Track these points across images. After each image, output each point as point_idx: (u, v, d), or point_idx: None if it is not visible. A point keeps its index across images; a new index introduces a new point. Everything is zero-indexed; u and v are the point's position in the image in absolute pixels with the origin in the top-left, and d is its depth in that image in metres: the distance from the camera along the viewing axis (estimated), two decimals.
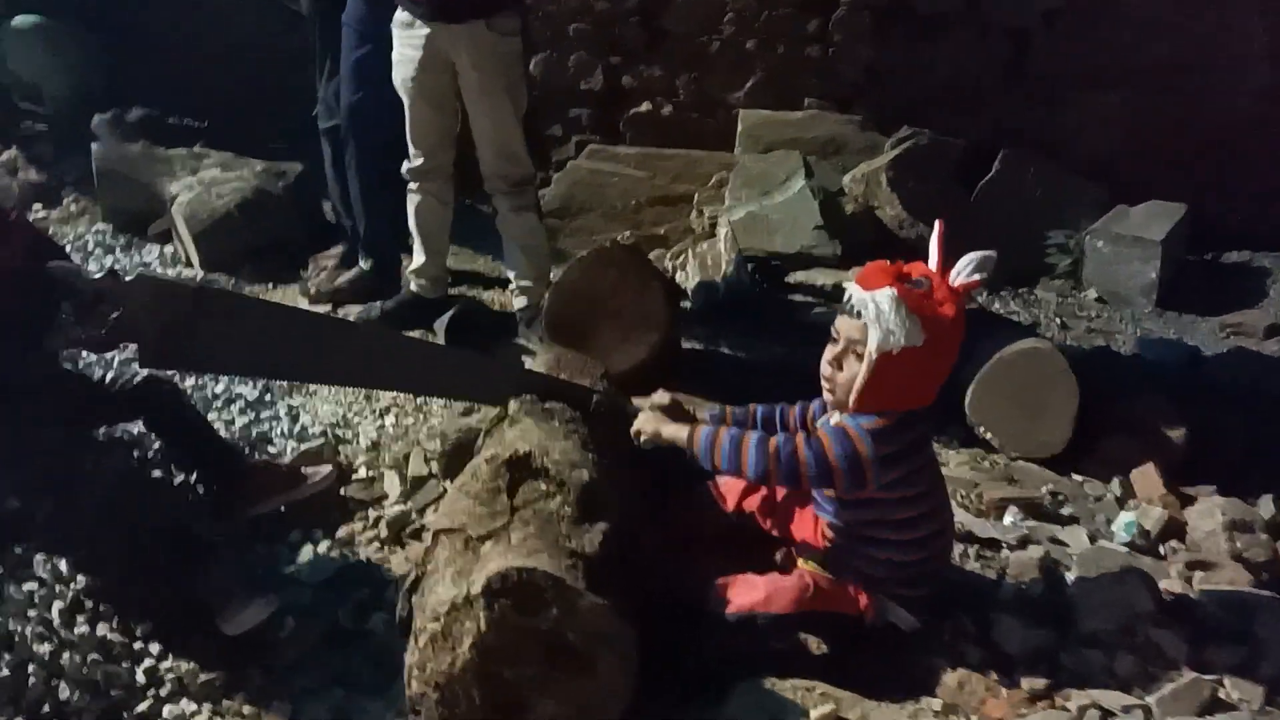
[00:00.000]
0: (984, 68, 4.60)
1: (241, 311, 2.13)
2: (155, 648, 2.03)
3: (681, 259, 3.74)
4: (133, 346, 2.09)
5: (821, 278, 3.80)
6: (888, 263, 1.88)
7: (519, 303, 3.26)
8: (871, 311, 1.78)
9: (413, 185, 3.24)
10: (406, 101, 3.08)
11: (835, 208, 4.12)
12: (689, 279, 3.65)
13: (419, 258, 3.34)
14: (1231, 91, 4.38)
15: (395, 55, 3.05)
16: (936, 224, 1.90)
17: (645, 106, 4.91)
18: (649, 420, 2.02)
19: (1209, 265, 4.44)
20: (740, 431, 1.87)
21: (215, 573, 2.09)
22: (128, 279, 1.98)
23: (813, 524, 2.03)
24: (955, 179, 4.51)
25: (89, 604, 2.07)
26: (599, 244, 3.67)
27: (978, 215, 4.33)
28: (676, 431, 1.95)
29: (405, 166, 3.19)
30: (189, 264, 3.70)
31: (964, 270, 1.83)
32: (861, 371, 1.81)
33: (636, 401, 2.17)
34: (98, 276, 1.99)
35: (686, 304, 3.52)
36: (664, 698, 1.78)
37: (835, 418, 1.91)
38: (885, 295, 1.78)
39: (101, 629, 2.03)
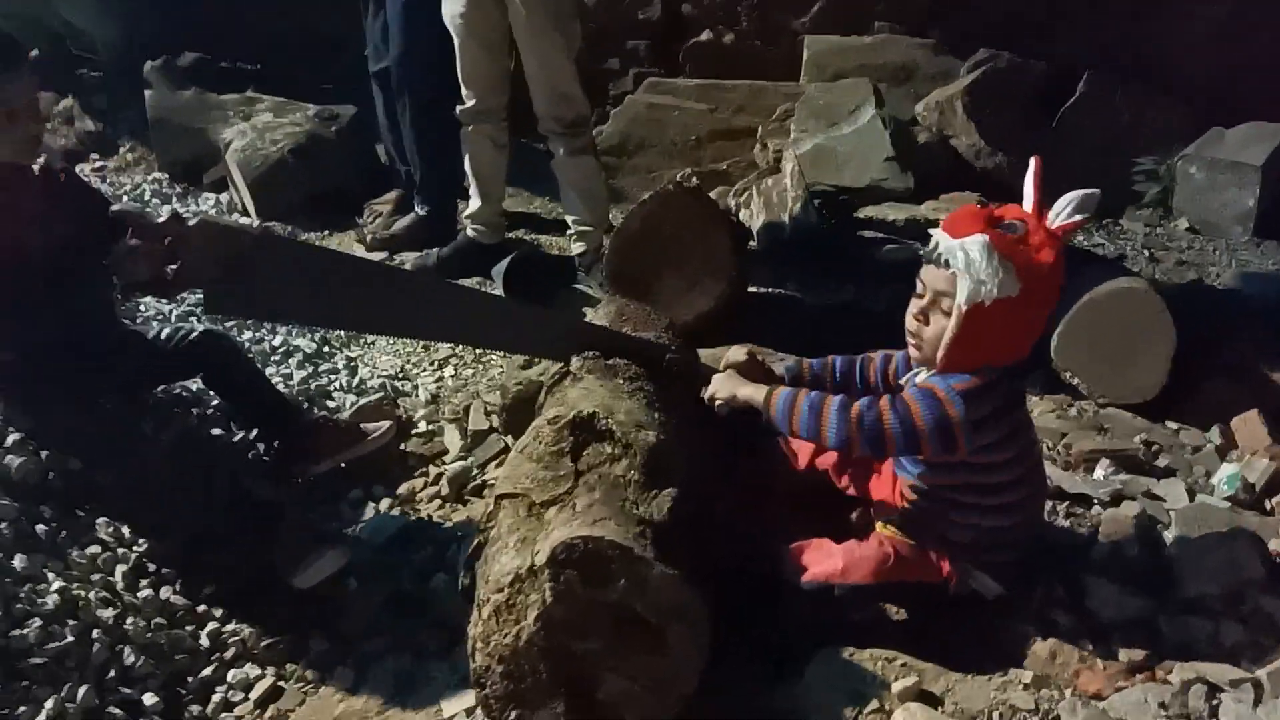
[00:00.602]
0: None
1: (302, 258, 2.06)
2: (219, 612, 2.00)
3: (745, 196, 3.59)
4: (194, 297, 2.04)
5: (893, 213, 3.64)
6: (977, 206, 1.73)
7: (577, 248, 3.17)
8: (961, 260, 1.63)
9: (467, 127, 3.14)
10: (457, 41, 2.97)
11: (907, 138, 3.94)
12: (754, 217, 3.51)
13: (475, 202, 3.26)
14: None
15: None
16: (1032, 161, 1.73)
17: (706, 35, 4.73)
18: (724, 383, 1.90)
19: None
20: (820, 396, 1.74)
21: (282, 529, 2.06)
22: (191, 222, 1.92)
23: (891, 484, 1.92)
24: (1036, 105, 4.28)
25: (152, 568, 2.05)
26: (659, 183, 3.55)
27: (1060, 142, 4.11)
28: (753, 393, 1.83)
29: (459, 108, 3.08)
30: (245, 212, 3.66)
31: (1064, 211, 1.66)
32: (950, 326, 1.67)
33: (708, 357, 2.06)
34: (161, 220, 1.92)
35: (752, 244, 3.39)
36: (738, 670, 1.71)
37: (922, 376, 1.78)
38: (976, 242, 1.63)
39: (165, 593, 2.02)
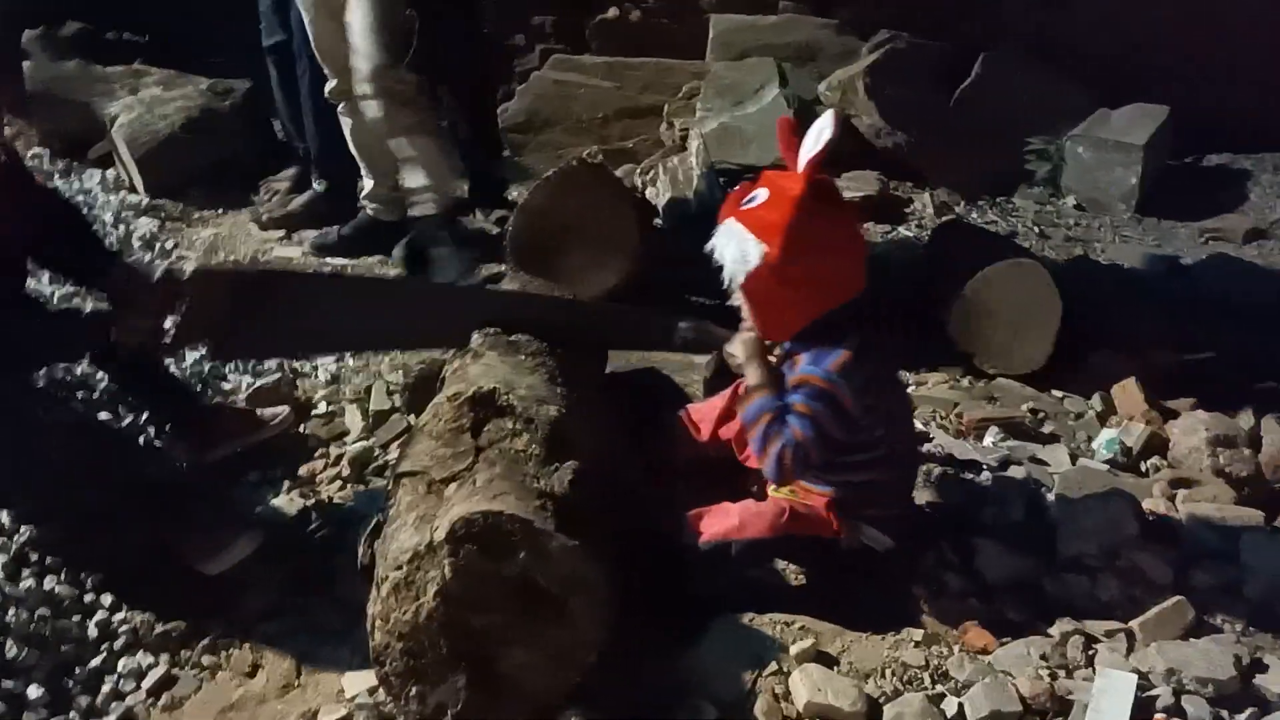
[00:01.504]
0: None
1: (311, 287, 2.11)
2: (108, 600, 1.95)
3: (651, 174, 3.61)
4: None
5: None
6: (737, 189, 1.81)
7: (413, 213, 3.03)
8: (718, 252, 1.74)
9: (340, 108, 3.04)
10: (306, 18, 2.87)
11: (811, 117, 3.95)
12: (659, 195, 3.53)
13: (367, 181, 3.18)
14: None
15: None
16: (778, 123, 1.84)
17: (612, 12, 4.73)
18: (745, 346, 1.86)
19: (1190, 169, 4.37)
20: (777, 429, 1.73)
21: (191, 512, 2.00)
22: (187, 273, 1.90)
23: None
24: (935, 84, 4.38)
25: (34, 557, 1.98)
26: (565, 160, 3.54)
27: (957, 121, 4.21)
28: (756, 376, 1.82)
29: (325, 89, 2.98)
30: (133, 189, 3.54)
31: (806, 149, 1.71)
32: (744, 307, 1.74)
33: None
34: (155, 278, 1.92)
35: (658, 221, 3.41)
36: (640, 638, 1.72)
37: (777, 350, 1.84)
38: (723, 229, 1.73)
39: (49, 582, 1.94)
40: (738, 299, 1.79)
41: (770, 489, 1.91)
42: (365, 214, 3.24)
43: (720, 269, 1.77)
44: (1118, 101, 4.27)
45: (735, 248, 1.70)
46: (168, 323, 1.90)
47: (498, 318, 2.05)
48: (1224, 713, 1.56)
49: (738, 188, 1.82)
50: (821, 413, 1.70)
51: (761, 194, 1.73)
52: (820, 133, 1.70)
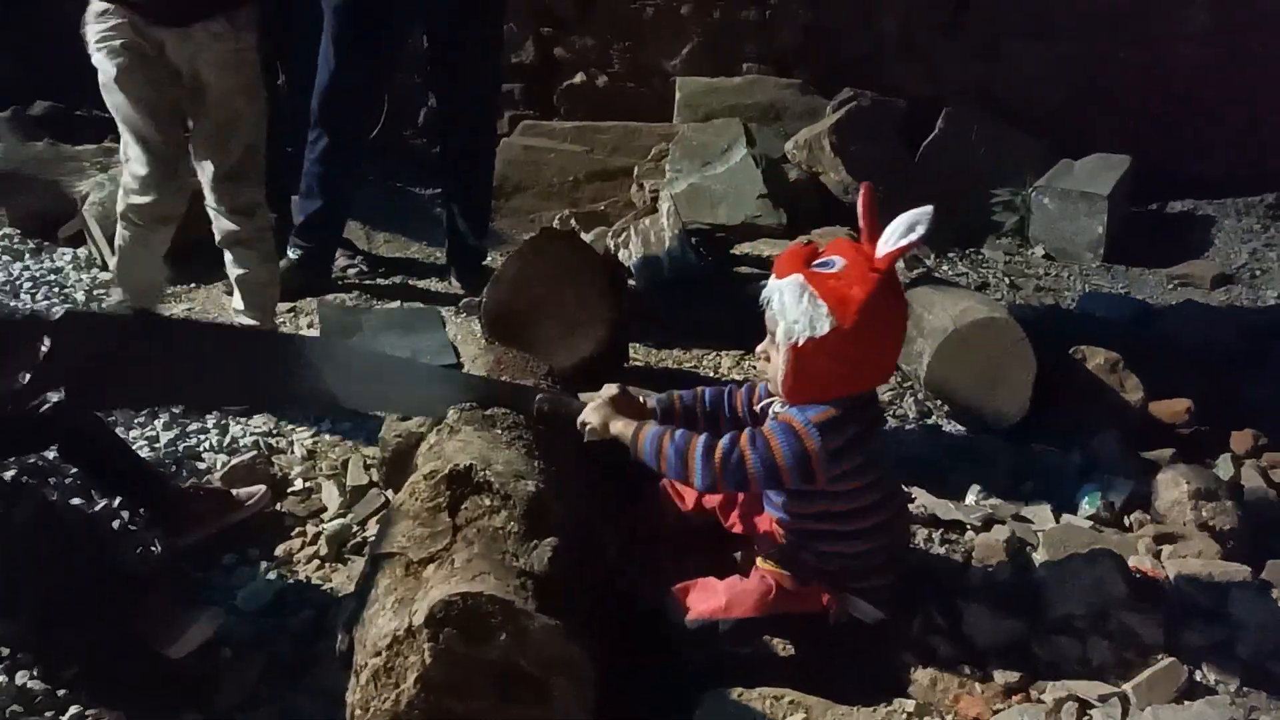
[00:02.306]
0: (924, 22, 4.53)
1: (178, 336, 2.08)
2: (82, 695, 1.89)
3: (624, 236, 3.62)
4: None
5: (768, 249, 3.71)
6: (803, 245, 1.79)
7: None
8: (776, 302, 1.70)
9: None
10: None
11: (779, 175, 4.03)
12: (632, 256, 3.54)
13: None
14: (1172, 38, 4.35)
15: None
16: (861, 189, 1.79)
17: (579, 78, 4.79)
18: (596, 413, 1.89)
19: (1155, 216, 4.44)
20: (686, 437, 1.75)
21: (150, 601, 1.96)
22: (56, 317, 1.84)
23: (769, 519, 1.95)
24: (899, 140, 4.45)
25: (5, 652, 1.92)
26: (537, 225, 3.57)
27: (922, 176, 4.27)
28: (623, 429, 1.83)
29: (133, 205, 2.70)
30: (104, 266, 3.50)
31: (891, 237, 1.69)
32: (779, 364, 1.72)
33: (584, 396, 2.05)
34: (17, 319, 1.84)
35: (632, 283, 3.42)
36: (628, 716, 1.69)
37: (778, 407, 1.81)
38: (789, 283, 1.69)
39: (21, 678, 1.89)
40: (775, 352, 1.75)
41: (758, 560, 1.89)
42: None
43: (761, 313, 1.75)
44: (1079, 152, 4.34)
45: (804, 310, 1.66)
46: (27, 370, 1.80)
47: (379, 381, 2.10)
48: None
49: (803, 244, 1.79)
50: (783, 450, 1.68)
51: (838, 262, 1.69)
52: (914, 226, 1.67)
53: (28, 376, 1.78)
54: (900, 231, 1.68)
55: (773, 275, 1.75)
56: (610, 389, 1.99)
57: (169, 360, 1.94)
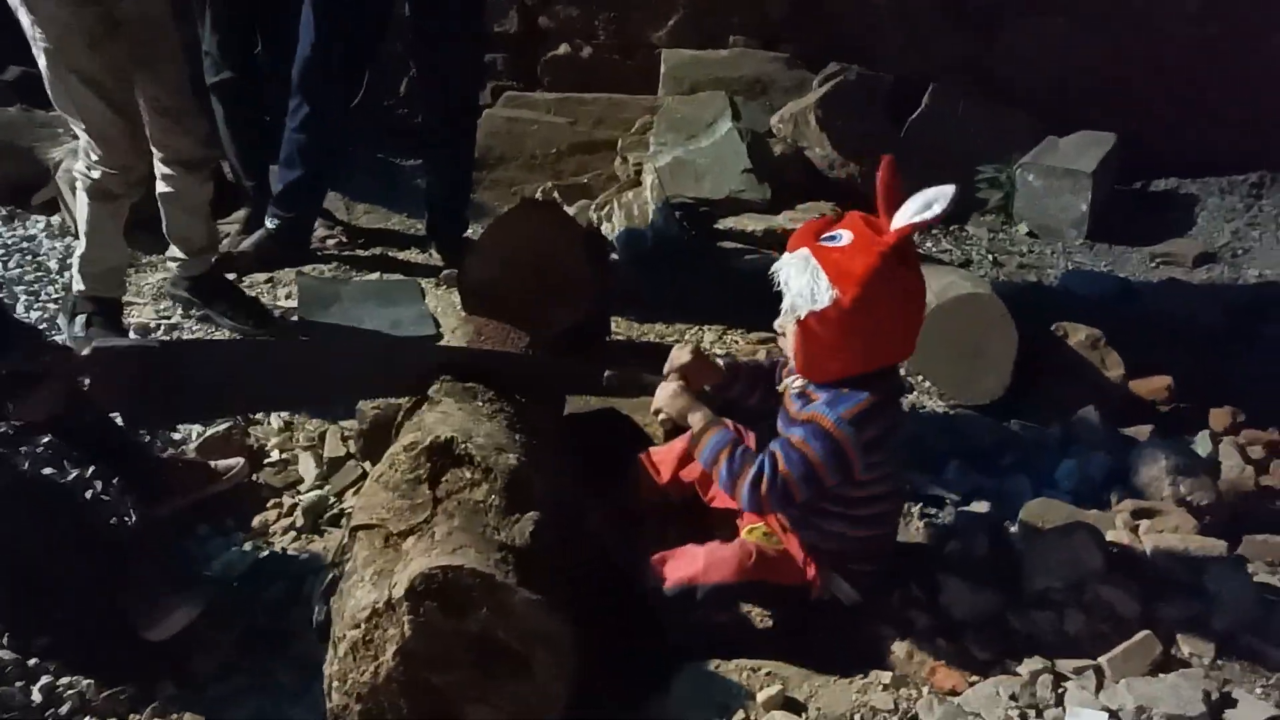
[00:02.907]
0: None
1: (205, 355, 2.19)
2: (53, 665, 1.87)
3: (607, 209, 3.60)
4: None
5: (751, 223, 3.70)
6: (818, 218, 1.77)
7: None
8: (783, 275, 1.69)
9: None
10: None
11: (764, 149, 4.01)
12: (615, 230, 3.52)
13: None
14: (1162, 16, 4.34)
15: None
16: (883, 163, 1.74)
17: (563, 49, 4.73)
18: (672, 401, 1.85)
19: (1139, 194, 4.44)
20: (742, 460, 1.72)
21: (131, 576, 1.94)
22: (84, 352, 1.91)
23: None
24: (885, 115, 4.43)
25: None
26: (519, 197, 3.54)
27: (908, 152, 4.25)
28: (696, 421, 1.81)
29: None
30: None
31: (906, 212, 1.66)
32: (790, 340, 1.71)
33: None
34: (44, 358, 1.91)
35: (614, 256, 3.40)
36: (606, 689, 1.69)
37: (795, 382, 1.81)
38: (795, 257, 1.68)
39: None
40: (788, 327, 1.74)
41: (743, 532, 1.88)
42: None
43: (778, 290, 1.73)
44: (1064, 129, 4.34)
45: (806, 282, 1.64)
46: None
47: (416, 370, 2.06)
48: None
49: (819, 218, 1.77)
50: (818, 454, 1.67)
51: (845, 235, 1.68)
52: (932, 203, 1.64)
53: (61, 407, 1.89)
54: (916, 208, 1.65)
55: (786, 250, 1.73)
56: (683, 353, 1.94)
57: (198, 381, 2.02)
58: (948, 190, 1.64)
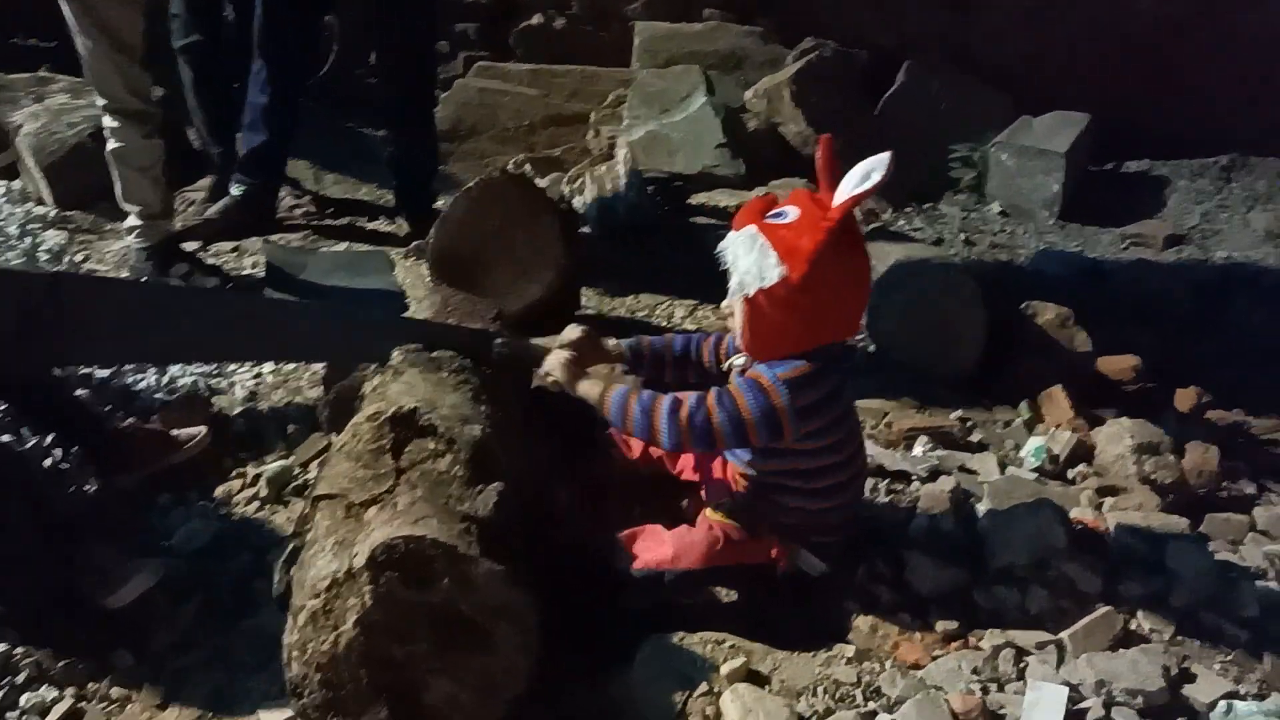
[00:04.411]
0: None
1: (103, 295, 1.98)
2: (10, 634, 1.85)
3: (579, 183, 3.57)
4: None
5: (725, 199, 3.69)
6: (761, 197, 1.76)
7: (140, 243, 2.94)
8: (730, 254, 1.68)
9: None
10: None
11: (737, 125, 3.99)
12: (587, 203, 3.49)
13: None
14: None
15: None
16: (820, 142, 1.75)
17: (536, 19, 4.68)
18: (561, 368, 1.86)
19: (1110, 175, 4.46)
20: (651, 397, 1.72)
21: (87, 545, 1.91)
22: None
23: (722, 466, 1.94)
24: (860, 91, 4.42)
25: None
26: (489, 170, 3.49)
27: (883, 128, 4.25)
28: (589, 389, 1.80)
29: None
30: (40, 200, 3.40)
31: (846, 186, 1.65)
32: (738, 318, 1.70)
33: (546, 340, 2.01)
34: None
35: (586, 229, 3.37)
36: (570, 662, 1.68)
37: (742, 360, 1.80)
38: (743, 234, 1.67)
39: None
40: (735, 306, 1.73)
41: (706, 511, 1.88)
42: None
43: (724, 268, 1.71)
44: (1038, 108, 4.34)
45: (754, 260, 1.63)
46: None
47: (312, 332, 2.07)
48: None
49: (762, 196, 1.76)
50: (750, 408, 1.66)
51: (791, 212, 1.67)
52: (870, 172, 1.62)
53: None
54: (855, 180, 1.64)
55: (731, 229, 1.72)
56: (573, 331, 1.95)
57: (100, 320, 1.90)
58: (884, 158, 1.63)
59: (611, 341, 1.98)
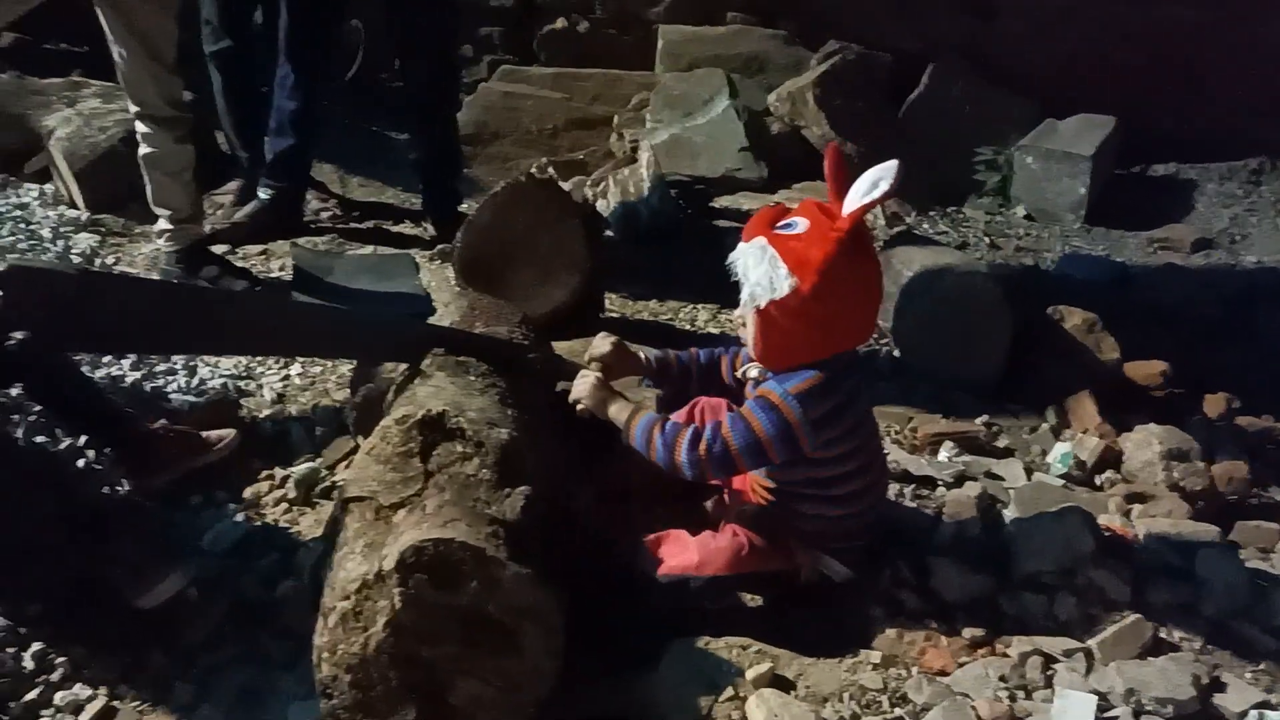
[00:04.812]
0: None
1: (128, 293, 2.00)
2: (45, 632, 1.87)
3: (602, 186, 3.58)
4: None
5: (748, 202, 3.69)
6: (770, 207, 1.77)
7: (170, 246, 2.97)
8: (740, 266, 1.69)
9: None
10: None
11: (760, 128, 3.99)
12: (610, 206, 3.50)
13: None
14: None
15: None
16: (827, 150, 1.76)
17: (560, 23, 4.70)
18: (592, 394, 1.86)
19: (1137, 178, 4.43)
20: (675, 429, 1.73)
21: (119, 544, 1.93)
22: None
23: (743, 477, 1.94)
24: (884, 95, 4.41)
25: None
26: (514, 173, 3.51)
27: (906, 132, 4.24)
28: (617, 413, 1.82)
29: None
30: (72, 204, 3.43)
31: (855, 195, 1.66)
32: (749, 328, 1.70)
33: (574, 346, 2.02)
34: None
35: (609, 234, 3.38)
36: (596, 665, 1.69)
37: (756, 371, 1.81)
38: (751, 246, 1.68)
39: None
40: (746, 316, 1.74)
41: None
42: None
43: (735, 279, 1.72)
44: (1063, 112, 4.32)
45: (765, 272, 1.64)
46: None
47: (340, 333, 2.10)
48: None
49: (771, 206, 1.77)
50: (765, 427, 1.67)
51: (800, 223, 1.67)
52: (878, 182, 1.63)
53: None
54: (864, 189, 1.65)
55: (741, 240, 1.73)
56: (604, 344, 1.95)
57: (124, 315, 1.93)
58: (892, 165, 1.63)
59: (640, 353, 1.99)
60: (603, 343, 1.96)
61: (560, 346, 2.11)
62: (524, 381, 1.97)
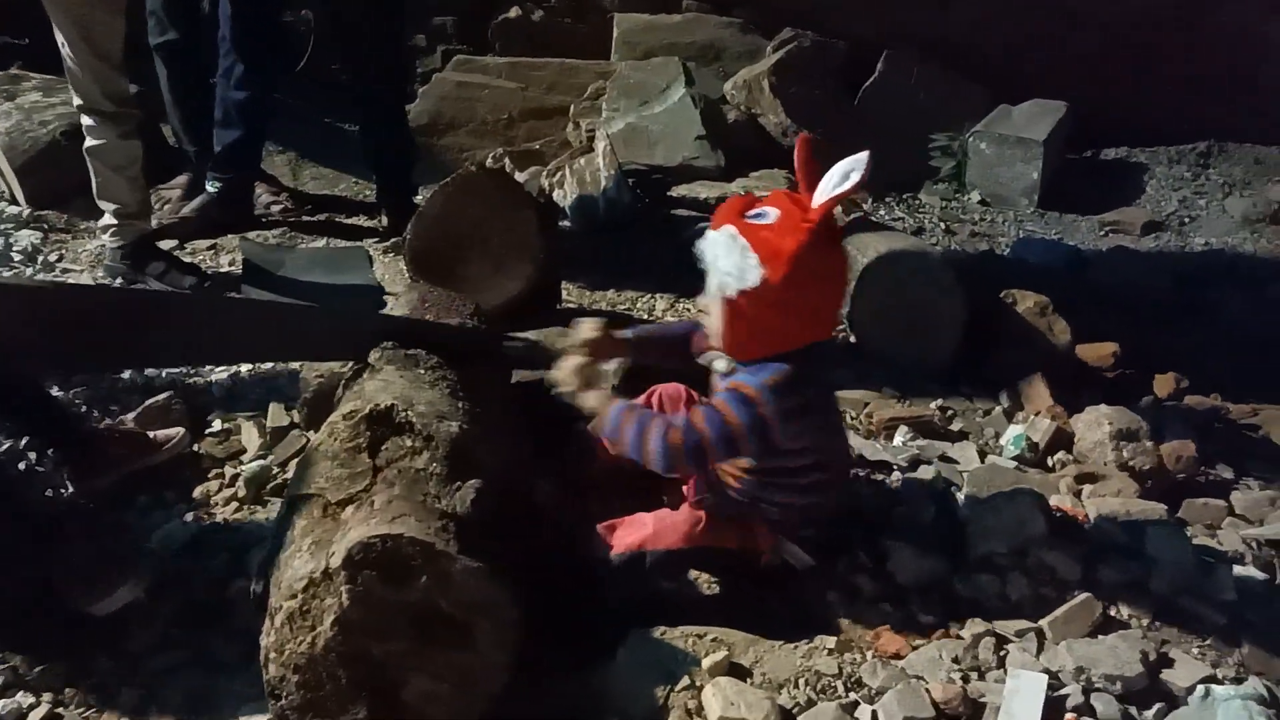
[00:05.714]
0: None
1: (44, 301, 1.94)
2: None
3: (559, 176, 3.56)
4: None
5: (705, 191, 3.68)
6: (740, 196, 1.76)
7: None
8: (708, 254, 1.67)
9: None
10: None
11: (717, 116, 3.98)
12: (567, 197, 3.48)
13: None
14: None
15: None
16: (797, 142, 1.75)
17: (514, 12, 4.66)
18: (571, 377, 1.83)
19: (1089, 162, 4.48)
20: (646, 418, 1.71)
21: (70, 550, 1.89)
22: None
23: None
24: (839, 82, 4.42)
25: None
26: (467, 165, 3.48)
27: (862, 119, 4.25)
28: (594, 401, 1.79)
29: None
30: (12, 200, 3.36)
31: (826, 186, 1.65)
32: (715, 317, 1.69)
33: (551, 334, 1.99)
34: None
35: (565, 223, 3.36)
36: (552, 658, 1.68)
37: (724, 364, 1.79)
38: (722, 235, 1.66)
39: None
40: (713, 305, 1.72)
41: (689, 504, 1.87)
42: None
43: (699, 267, 1.70)
44: (1017, 97, 4.35)
45: (734, 262, 1.62)
46: None
47: (290, 332, 2.04)
48: (1133, 709, 1.58)
49: (741, 195, 1.75)
50: (738, 419, 1.65)
51: (771, 213, 1.65)
52: (849, 173, 1.61)
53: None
54: (835, 180, 1.64)
55: (709, 228, 1.71)
56: (587, 329, 1.91)
57: (89, 327, 1.88)
58: (863, 158, 1.62)
59: (619, 333, 1.97)
60: (586, 328, 1.92)
61: (544, 342, 2.07)
62: (479, 374, 1.95)
